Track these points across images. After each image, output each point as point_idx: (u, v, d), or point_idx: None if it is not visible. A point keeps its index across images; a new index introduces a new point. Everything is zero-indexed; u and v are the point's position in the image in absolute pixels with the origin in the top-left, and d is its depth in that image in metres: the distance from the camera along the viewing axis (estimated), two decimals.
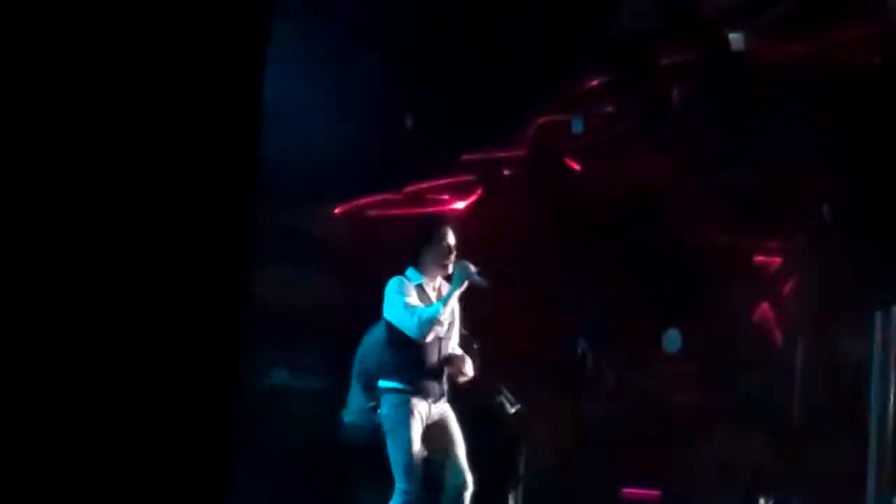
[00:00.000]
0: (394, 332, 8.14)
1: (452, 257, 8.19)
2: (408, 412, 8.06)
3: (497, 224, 11.34)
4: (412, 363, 8.13)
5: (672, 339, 11.04)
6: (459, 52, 10.63)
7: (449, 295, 8.09)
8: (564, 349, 10.63)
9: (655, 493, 10.90)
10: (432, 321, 7.99)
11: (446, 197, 11.82)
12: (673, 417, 11.04)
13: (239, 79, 3.63)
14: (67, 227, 3.42)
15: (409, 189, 11.49)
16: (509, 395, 9.69)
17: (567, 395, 10.66)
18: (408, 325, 8.00)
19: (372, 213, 11.72)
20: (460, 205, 11.85)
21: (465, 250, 10.76)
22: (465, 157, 11.64)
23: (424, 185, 11.64)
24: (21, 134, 3.38)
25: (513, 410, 9.69)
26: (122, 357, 3.49)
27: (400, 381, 8.15)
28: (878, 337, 9.01)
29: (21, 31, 3.38)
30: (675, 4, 10.65)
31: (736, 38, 10.31)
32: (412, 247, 8.23)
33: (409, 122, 11.09)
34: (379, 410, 8.24)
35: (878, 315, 8.87)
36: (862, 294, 9.81)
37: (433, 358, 8.17)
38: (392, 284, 8.12)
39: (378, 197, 11.71)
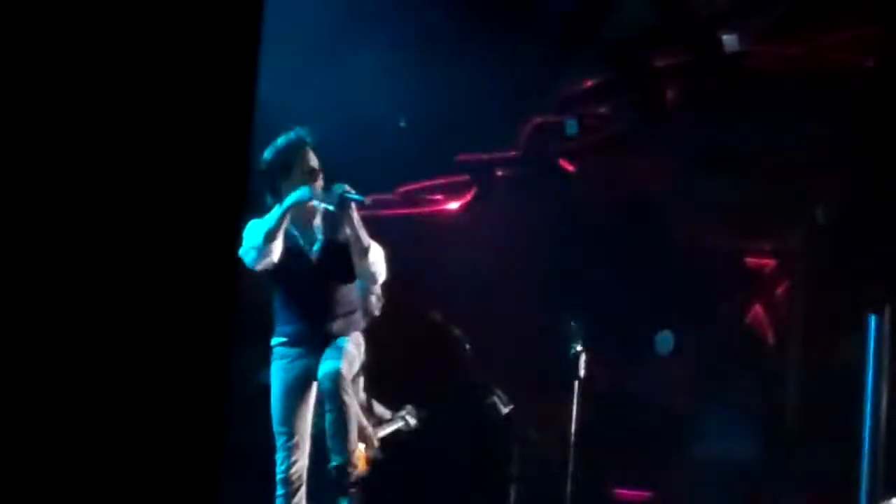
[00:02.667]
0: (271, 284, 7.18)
1: (319, 182, 7.28)
2: (280, 367, 7.06)
3: (491, 225, 11.33)
4: (288, 310, 7.11)
5: (665, 341, 11.02)
6: (455, 52, 10.61)
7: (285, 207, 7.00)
8: (557, 350, 10.62)
9: (647, 493, 10.91)
10: (260, 236, 6.86)
11: (440, 197, 11.80)
12: (666, 419, 11.04)
13: (231, 77, 3.61)
14: (58, 224, 3.41)
15: (403, 189, 11.47)
16: (502, 396, 9.69)
17: (559, 396, 10.64)
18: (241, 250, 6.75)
19: (364, 213, 11.67)
20: (454, 205, 11.83)
21: (460, 251, 10.79)
22: (459, 157, 11.62)
23: (417, 185, 11.61)
24: (12, 129, 3.36)
25: (506, 411, 9.69)
26: (110, 356, 3.48)
27: (280, 333, 7.16)
28: (871, 339, 9.02)
29: (16, 27, 3.37)
30: (668, 6, 10.64)
31: (730, 40, 10.30)
32: (270, 181, 7.20)
33: (402, 123, 11.06)
34: None
35: (872, 318, 8.88)
36: (856, 296, 9.82)
37: (312, 299, 7.13)
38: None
39: (371, 197, 11.66)
